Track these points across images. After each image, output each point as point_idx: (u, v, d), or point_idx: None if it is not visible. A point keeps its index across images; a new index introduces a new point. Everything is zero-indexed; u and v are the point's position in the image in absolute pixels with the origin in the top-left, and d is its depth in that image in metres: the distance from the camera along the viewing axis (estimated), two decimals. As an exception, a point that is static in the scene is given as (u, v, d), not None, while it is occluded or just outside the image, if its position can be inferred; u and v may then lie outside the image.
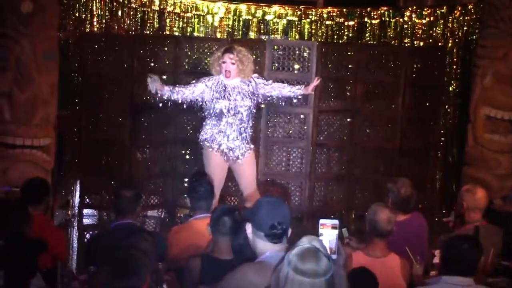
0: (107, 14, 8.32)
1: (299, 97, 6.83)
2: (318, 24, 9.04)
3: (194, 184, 5.30)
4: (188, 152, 8.16)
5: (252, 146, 6.67)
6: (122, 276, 3.26)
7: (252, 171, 6.73)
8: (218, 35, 8.85)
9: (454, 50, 8.70)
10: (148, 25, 8.67)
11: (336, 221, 3.23)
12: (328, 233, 3.09)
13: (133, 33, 8.47)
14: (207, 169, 6.56)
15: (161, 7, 8.72)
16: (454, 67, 8.68)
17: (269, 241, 3.39)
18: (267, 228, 3.38)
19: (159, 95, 6.48)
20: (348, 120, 8.19)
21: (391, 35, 8.97)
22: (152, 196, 8.06)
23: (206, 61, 8.08)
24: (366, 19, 9.00)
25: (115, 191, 5.11)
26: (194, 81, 6.66)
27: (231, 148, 6.50)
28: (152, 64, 8.00)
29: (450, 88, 8.67)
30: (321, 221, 3.23)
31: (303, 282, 2.57)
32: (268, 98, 6.71)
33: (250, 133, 6.64)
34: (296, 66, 8.07)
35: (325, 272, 2.58)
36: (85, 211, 7.99)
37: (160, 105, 6.82)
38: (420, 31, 8.87)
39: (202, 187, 5.21)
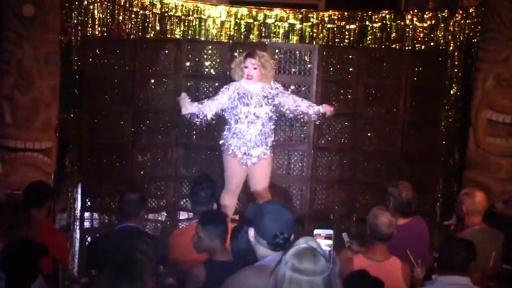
0: (108, 17, 8.34)
1: (315, 115, 6.78)
2: (319, 28, 9.05)
3: (195, 188, 5.31)
4: (189, 155, 8.16)
5: (269, 151, 6.64)
6: (125, 280, 3.26)
7: (266, 172, 6.70)
8: (220, 38, 8.86)
9: (456, 53, 8.72)
10: (150, 28, 8.68)
11: (330, 231, 3.23)
12: (322, 243, 3.09)
13: (134, 37, 8.48)
14: (225, 173, 6.60)
15: (163, 10, 8.74)
16: (456, 70, 8.70)
17: (271, 250, 3.40)
18: (270, 237, 3.40)
19: (189, 115, 6.55)
20: (349, 123, 8.18)
21: (393, 39, 8.98)
22: (154, 199, 8.07)
23: (208, 64, 8.10)
24: (367, 23, 9.02)
25: (120, 194, 5.11)
26: (217, 95, 6.64)
27: (250, 154, 6.51)
28: (154, 67, 8.02)
29: (451, 92, 8.68)
30: (316, 231, 3.24)
31: (301, 281, 2.58)
32: (282, 109, 6.68)
33: (271, 139, 6.62)
34: (297, 70, 8.06)
35: (323, 271, 2.59)
36: (87, 214, 8.00)
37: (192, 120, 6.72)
38: (422, 34, 8.89)
39: (203, 192, 5.21)
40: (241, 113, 6.45)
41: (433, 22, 8.84)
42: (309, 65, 8.02)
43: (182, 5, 8.82)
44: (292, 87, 7.91)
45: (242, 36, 8.99)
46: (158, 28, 8.76)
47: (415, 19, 8.91)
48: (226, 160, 6.61)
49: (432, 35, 8.84)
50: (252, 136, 6.49)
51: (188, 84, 8.11)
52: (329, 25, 9.05)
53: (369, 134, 8.28)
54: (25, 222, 4.69)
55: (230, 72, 6.69)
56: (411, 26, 8.91)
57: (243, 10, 9.00)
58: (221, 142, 6.65)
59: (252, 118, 6.46)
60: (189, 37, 8.76)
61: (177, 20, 8.86)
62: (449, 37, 8.75)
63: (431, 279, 4.76)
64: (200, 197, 5.20)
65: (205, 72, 8.11)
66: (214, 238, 4.36)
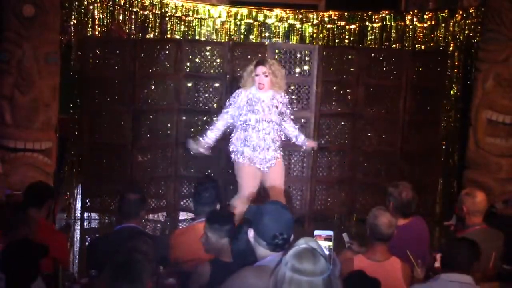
0: (108, 17, 8.34)
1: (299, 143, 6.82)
2: (320, 28, 9.05)
3: (198, 189, 5.30)
4: (189, 155, 8.15)
5: (279, 154, 6.62)
6: (124, 280, 3.26)
7: (279, 173, 6.66)
8: (220, 39, 8.86)
9: (456, 53, 8.72)
10: (150, 28, 8.68)
11: (330, 233, 3.23)
12: (323, 244, 3.09)
13: (134, 37, 8.48)
14: (240, 181, 6.55)
15: (163, 10, 8.74)
16: (456, 70, 8.69)
17: (270, 250, 3.41)
18: (269, 237, 3.40)
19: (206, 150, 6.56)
20: (349, 123, 8.18)
21: (393, 39, 8.98)
22: (154, 200, 8.06)
23: (207, 64, 8.09)
24: (367, 23, 9.01)
25: (120, 194, 5.11)
26: (225, 110, 6.54)
27: (260, 159, 6.48)
28: (154, 68, 8.01)
29: (452, 92, 8.68)
30: (316, 232, 3.24)
31: (301, 281, 2.58)
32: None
33: (279, 142, 6.60)
34: (297, 70, 8.06)
35: (323, 271, 2.59)
36: (87, 214, 8.00)
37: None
38: (422, 34, 8.89)
39: (206, 193, 5.22)
40: (251, 121, 6.42)
41: (433, 22, 8.84)
42: (309, 66, 8.02)
43: (182, 6, 8.82)
44: (292, 87, 7.91)
45: (242, 37, 8.99)
46: (158, 28, 8.75)
47: (415, 19, 8.90)
48: (241, 169, 6.51)
49: (432, 36, 8.84)
50: (263, 142, 6.47)
51: (188, 84, 8.11)
52: (329, 26, 9.04)
53: (369, 135, 8.28)
54: (25, 222, 4.69)
55: (241, 82, 6.61)
56: (411, 27, 8.90)
57: (243, 11, 9.00)
58: (232, 153, 6.57)
59: (262, 125, 6.44)
60: (189, 38, 8.75)
61: (177, 20, 8.86)
62: (449, 37, 8.75)
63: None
64: (203, 198, 5.20)
65: (205, 73, 8.11)
66: (221, 237, 4.37)
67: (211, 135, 6.52)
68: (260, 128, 6.43)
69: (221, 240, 4.38)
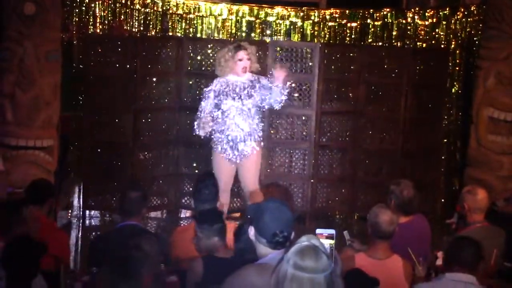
0: (110, 15, 8.34)
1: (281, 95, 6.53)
2: (321, 26, 9.04)
3: (199, 186, 5.31)
4: (190, 153, 8.16)
5: (258, 146, 6.62)
6: (120, 277, 3.25)
7: (255, 170, 6.69)
8: (221, 37, 8.86)
9: (457, 51, 8.70)
10: (151, 26, 8.68)
11: (332, 231, 3.23)
12: (324, 242, 3.10)
13: (136, 34, 8.48)
14: (214, 171, 6.57)
15: (164, 8, 8.73)
16: (457, 68, 8.68)
17: (271, 248, 3.41)
18: (269, 235, 3.40)
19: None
20: (351, 121, 8.18)
21: (394, 37, 8.96)
22: (155, 197, 8.07)
23: (209, 62, 8.08)
24: (368, 21, 9.00)
25: (122, 192, 5.12)
26: (203, 99, 6.64)
27: (237, 149, 6.48)
28: (155, 66, 8.01)
29: (453, 90, 8.67)
30: (318, 231, 3.24)
31: (303, 278, 2.58)
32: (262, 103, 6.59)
33: (259, 131, 6.60)
34: (299, 68, 8.06)
35: (324, 269, 2.59)
36: (88, 212, 7.99)
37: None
38: (423, 32, 8.87)
39: (206, 190, 5.23)
40: (226, 107, 6.44)
41: (434, 20, 8.82)
42: (310, 63, 8.02)
43: (184, 3, 8.81)
44: (293, 85, 7.91)
45: (243, 34, 8.98)
46: (159, 26, 8.75)
47: (416, 17, 8.89)
48: (214, 158, 6.61)
49: (433, 33, 8.82)
50: (239, 130, 6.47)
51: (190, 82, 8.11)
52: (330, 23, 9.03)
53: (370, 133, 8.28)
54: (26, 220, 4.69)
55: (217, 70, 6.65)
56: (412, 24, 8.89)
57: (244, 8, 8.99)
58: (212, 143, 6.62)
59: (238, 111, 6.44)
60: (191, 35, 8.75)
61: (178, 18, 8.86)
62: (451, 35, 8.73)
63: (431, 276, 4.76)
64: (203, 195, 5.21)
65: (207, 70, 8.10)
66: (211, 236, 4.38)
67: (209, 122, 6.47)
68: (237, 115, 6.43)
69: (212, 240, 4.39)
